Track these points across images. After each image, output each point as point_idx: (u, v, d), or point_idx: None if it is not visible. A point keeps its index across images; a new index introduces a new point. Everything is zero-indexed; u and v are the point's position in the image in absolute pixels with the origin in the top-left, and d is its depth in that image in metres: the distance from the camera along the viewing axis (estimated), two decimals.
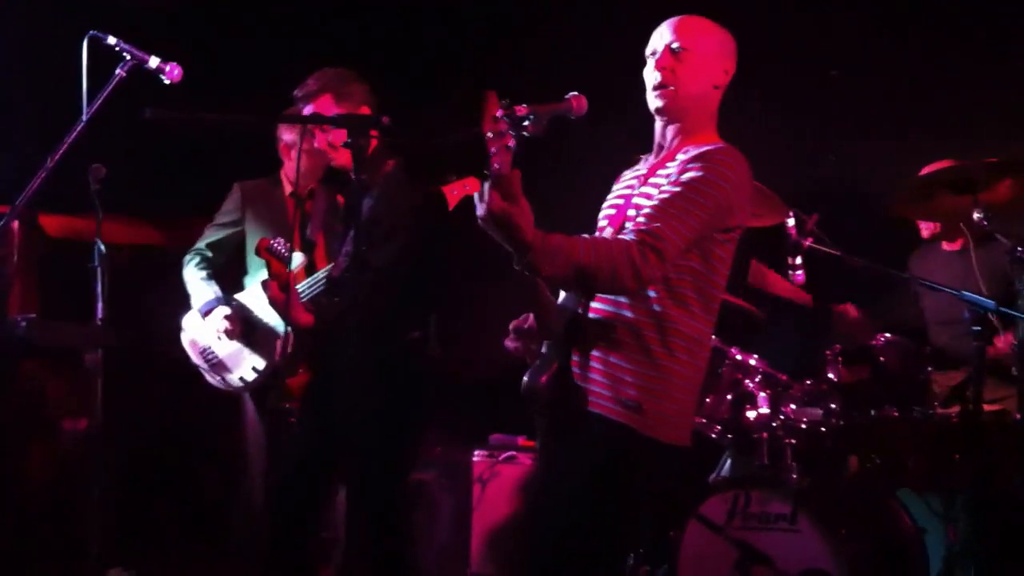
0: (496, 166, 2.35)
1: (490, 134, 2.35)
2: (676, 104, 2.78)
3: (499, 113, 2.38)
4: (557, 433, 2.75)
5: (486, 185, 2.38)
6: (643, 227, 2.57)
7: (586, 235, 2.60)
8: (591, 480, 2.64)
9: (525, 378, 2.74)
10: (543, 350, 2.75)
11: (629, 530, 2.86)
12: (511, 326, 2.82)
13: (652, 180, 2.74)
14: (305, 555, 3.71)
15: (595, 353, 2.70)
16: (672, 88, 2.77)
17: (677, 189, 2.62)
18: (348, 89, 3.75)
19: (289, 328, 3.93)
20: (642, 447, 2.63)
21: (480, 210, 2.39)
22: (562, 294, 2.75)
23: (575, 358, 2.70)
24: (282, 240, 3.87)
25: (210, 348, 4.31)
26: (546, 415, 2.75)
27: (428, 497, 5.46)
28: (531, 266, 2.46)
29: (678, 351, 2.66)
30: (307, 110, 3.74)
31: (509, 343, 2.82)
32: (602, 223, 2.85)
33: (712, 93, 2.82)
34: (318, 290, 3.86)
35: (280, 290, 3.63)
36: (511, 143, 2.38)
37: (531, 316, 2.80)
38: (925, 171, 4.35)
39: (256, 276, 4.36)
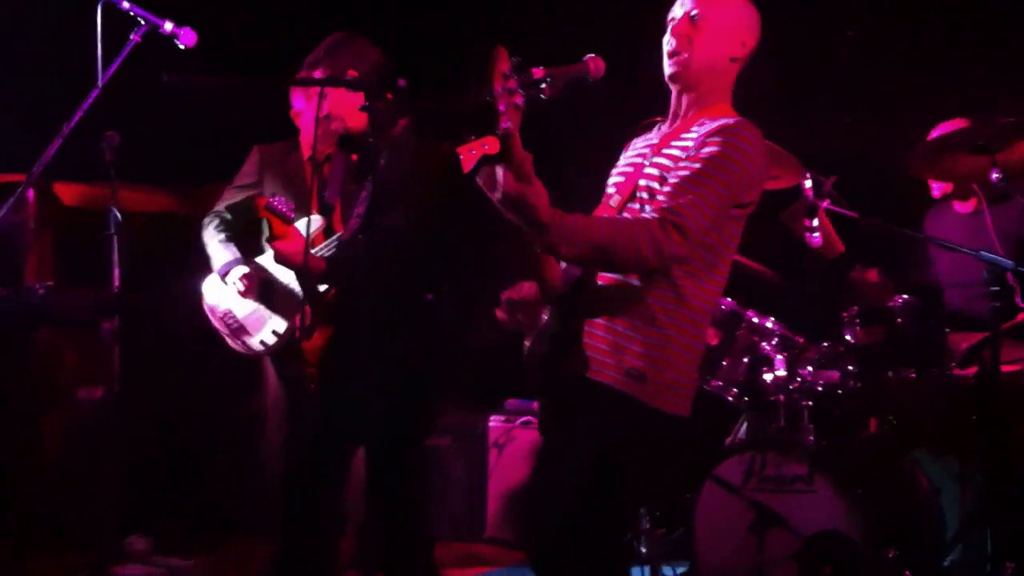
0: (505, 124, 2.33)
1: (499, 90, 2.33)
2: (689, 72, 2.76)
3: (508, 70, 2.36)
4: (560, 402, 2.75)
5: (499, 168, 2.36)
6: (665, 204, 2.55)
7: (605, 215, 2.59)
8: (596, 453, 2.63)
9: (527, 343, 2.74)
10: (545, 316, 2.73)
11: (634, 501, 2.86)
12: (502, 297, 2.81)
13: (665, 151, 2.71)
14: (325, 522, 3.72)
15: (600, 320, 2.67)
16: (686, 55, 2.75)
17: (697, 165, 2.59)
18: (356, 51, 3.76)
19: (305, 297, 3.95)
20: (645, 418, 2.62)
21: (495, 194, 2.38)
22: None
23: (579, 324, 2.69)
24: (282, 199, 3.87)
25: (231, 312, 4.31)
26: (549, 382, 2.75)
27: (442, 462, 5.48)
28: (550, 247, 2.45)
29: (683, 321, 2.64)
30: (317, 75, 3.73)
31: (500, 314, 2.80)
32: (610, 190, 2.83)
33: (728, 65, 2.78)
34: (332, 251, 3.86)
35: (290, 247, 3.63)
36: (520, 101, 2.35)
37: (524, 286, 2.78)
38: (939, 129, 4.34)
39: (275, 238, 4.36)
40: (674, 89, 2.82)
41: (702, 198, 2.55)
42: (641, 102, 3.05)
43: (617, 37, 3.89)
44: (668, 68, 2.79)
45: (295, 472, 3.72)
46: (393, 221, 3.48)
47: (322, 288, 3.86)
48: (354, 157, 3.90)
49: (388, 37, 3.87)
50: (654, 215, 2.54)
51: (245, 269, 4.27)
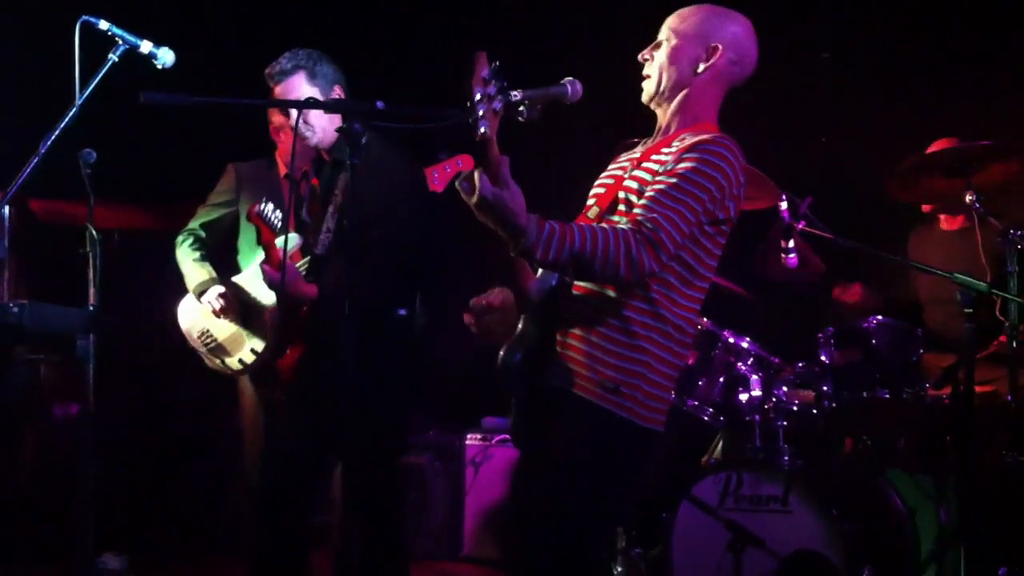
0: (483, 129, 2.32)
1: (478, 95, 2.33)
2: (655, 92, 2.81)
3: (487, 75, 2.35)
4: (533, 412, 2.74)
5: (476, 172, 2.36)
6: (639, 217, 2.56)
7: (583, 223, 2.58)
8: (571, 463, 2.63)
9: (501, 353, 2.71)
10: (520, 325, 2.72)
11: (612, 513, 2.86)
12: (471, 302, 2.79)
13: (645, 164, 2.72)
14: (297, 541, 3.70)
15: (575, 330, 2.67)
16: (651, 76, 2.81)
17: (672, 180, 2.60)
18: (321, 68, 3.77)
19: (274, 305, 3.93)
20: (619, 430, 2.62)
21: (472, 197, 2.39)
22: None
23: (554, 334, 2.69)
24: (272, 205, 3.88)
25: (208, 331, 4.29)
26: (522, 392, 2.74)
27: (421, 480, 5.47)
28: (525, 251, 2.44)
29: (659, 335, 2.64)
30: (279, 88, 3.74)
31: (467, 318, 2.79)
32: (590, 202, 2.84)
33: (697, 78, 2.78)
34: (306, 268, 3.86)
35: (276, 268, 3.64)
36: (498, 106, 2.34)
37: (494, 292, 2.77)
38: (930, 150, 4.39)
39: (250, 257, 4.35)
40: (655, 109, 2.85)
41: (676, 213, 2.56)
42: (631, 118, 3.06)
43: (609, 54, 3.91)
44: (643, 94, 2.84)
45: (267, 490, 3.71)
46: (370, 237, 3.49)
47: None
48: (315, 181, 3.90)
49: (367, 52, 3.88)
50: (629, 227, 2.54)
51: (221, 289, 4.26)
